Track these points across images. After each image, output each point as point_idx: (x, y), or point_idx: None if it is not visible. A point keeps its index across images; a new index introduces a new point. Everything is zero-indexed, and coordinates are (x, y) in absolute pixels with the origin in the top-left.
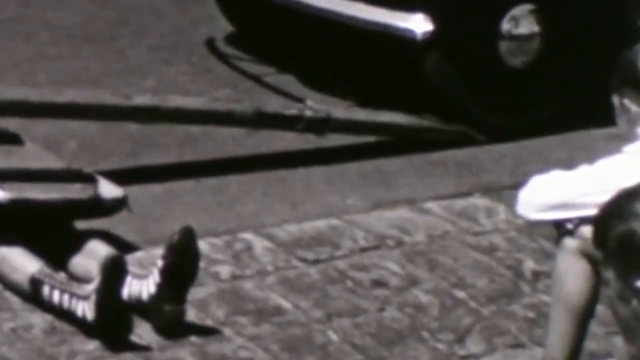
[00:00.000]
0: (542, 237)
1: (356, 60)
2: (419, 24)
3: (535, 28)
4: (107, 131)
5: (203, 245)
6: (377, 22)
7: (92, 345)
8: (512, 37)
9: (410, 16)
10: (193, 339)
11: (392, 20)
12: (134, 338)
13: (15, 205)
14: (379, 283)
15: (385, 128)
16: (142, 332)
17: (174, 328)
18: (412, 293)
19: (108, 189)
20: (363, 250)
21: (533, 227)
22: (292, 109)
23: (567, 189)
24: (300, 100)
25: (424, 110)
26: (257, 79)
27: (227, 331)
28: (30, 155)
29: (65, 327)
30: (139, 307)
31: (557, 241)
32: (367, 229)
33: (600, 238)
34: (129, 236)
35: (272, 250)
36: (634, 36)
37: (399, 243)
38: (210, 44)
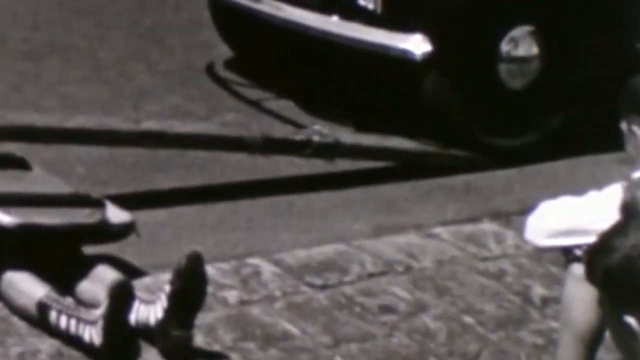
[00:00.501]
0: (550, 263)
1: (356, 84)
2: (417, 45)
3: (535, 50)
4: (115, 156)
5: (211, 270)
6: (375, 43)
7: None
8: (512, 59)
9: (408, 37)
10: None
11: (391, 41)
12: None
13: (22, 230)
14: (386, 309)
15: (394, 153)
16: (150, 357)
17: (182, 353)
18: (420, 319)
19: (116, 214)
20: (371, 275)
21: (541, 253)
22: (300, 135)
23: (576, 215)
24: (302, 125)
25: (426, 134)
26: (257, 104)
27: (234, 356)
28: (38, 180)
29: (73, 352)
30: (146, 333)
31: (566, 267)
32: (375, 254)
33: (589, 272)
34: (137, 261)
35: (280, 276)
36: (632, 59)
37: (407, 268)
38: (211, 70)
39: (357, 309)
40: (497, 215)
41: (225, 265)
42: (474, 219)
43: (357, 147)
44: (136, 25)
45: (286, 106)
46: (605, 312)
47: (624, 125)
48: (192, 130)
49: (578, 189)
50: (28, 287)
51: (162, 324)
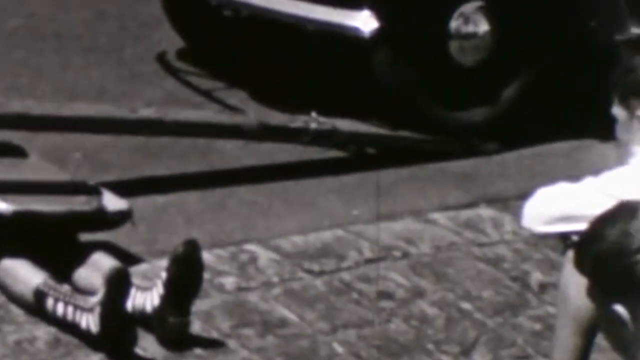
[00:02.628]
0: (548, 248)
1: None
2: (365, 22)
3: (485, 26)
4: (111, 143)
5: (208, 256)
6: (322, 21)
7: (97, 358)
8: (462, 35)
9: (356, 14)
10: (198, 351)
11: (338, 18)
12: (138, 350)
13: (18, 218)
14: (384, 295)
15: (390, 139)
16: (147, 344)
17: (179, 340)
18: (418, 305)
19: (112, 202)
20: (369, 261)
21: (539, 239)
22: (297, 122)
23: (573, 201)
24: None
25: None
26: (209, 94)
27: (232, 343)
28: (34, 168)
29: (70, 339)
30: (143, 319)
31: (563, 253)
32: (372, 240)
33: (578, 261)
34: (133, 248)
35: (277, 262)
36: (585, 36)
37: (405, 254)
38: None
39: (355, 295)
40: (494, 201)
41: (222, 252)
42: (471, 205)
43: (354, 134)
44: (133, 11)
45: (240, 97)
46: (595, 301)
47: (618, 110)
48: (189, 118)
49: (575, 175)
50: (25, 274)
51: (159, 310)
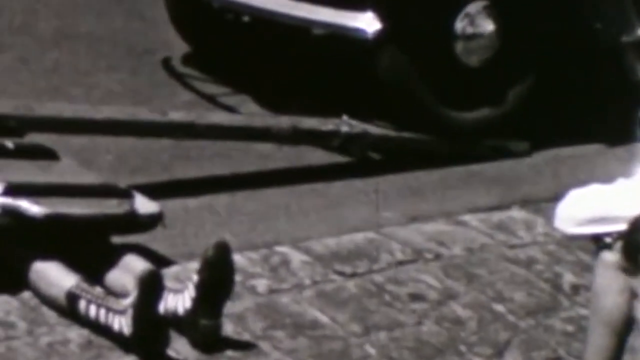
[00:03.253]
0: (580, 250)
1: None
2: (369, 23)
3: (490, 26)
4: (143, 145)
5: (240, 259)
6: (325, 23)
7: None
8: (467, 36)
9: (359, 15)
10: (230, 353)
11: (342, 19)
12: (170, 352)
13: (50, 221)
14: (416, 297)
15: (421, 142)
16: (179, 346)
17: (211, 342)
18: (450, 307)
19: (144, 205)
20: (400, 263)
21: (571, 241)
22: (328, 125)
23: (606, 202)
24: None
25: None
26: (212, 99)
27: (264, 345)
28: (66, 171)
29: (102, 341)
30: (175, 322)
31: (596, 255)
32: (404, 242)
33: (628, 252)
34: (165, 250)
35: (309, 264)
36: (591, 37)
37: (437, 256)
38: (168, 64)
39: (387, 297)
40: (526, 203)
41: (254, 254)
42: (503, 207)
43: (385, 137)
44: (166, 15)
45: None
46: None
47: None
48: (220, 121)
49: (608, 177)
50: (57, 276)
51: (191, 313)
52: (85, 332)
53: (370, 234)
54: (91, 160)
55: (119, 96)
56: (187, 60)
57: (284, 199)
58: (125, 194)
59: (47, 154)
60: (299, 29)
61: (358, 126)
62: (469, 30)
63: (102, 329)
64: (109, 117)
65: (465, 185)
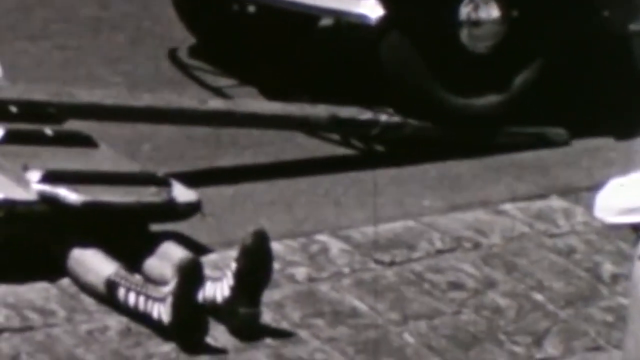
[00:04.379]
0: (620, 239)
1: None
2: (372, 9)
3: (496, 12)
4: (182, 133)
5: (279, 247)
6: (329, 9)
7: (168, 348)
8: (472, 22)
9: (363, 1)
10: (268, 341)
11: (345, 6)
12: (209, 340)
13: (88, 208)
14: (455, 285)
15: (460, 132)
16: (218, 334)
17: (249, 330)
18: (489, 295)
19: (182, 193)
20: (439, 252)
21: (611, 230)
22: (367, 114)
23: None
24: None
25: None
26: (220, 91)
27: (302, 333)
28: (104, 158)
29: (141, 329)
30: (213, 310)
31: (635, 244)
32: (443, 230)
33: None
34: (203, 238)
35: (348, 252)
36: (599, 25)
37: (476, 245)
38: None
39: (426, 286)
40: (566, 192)
41: (293, 242)
42: (542, 196)
43: (423, 126)
44: None
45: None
46: None
47: None
48: (259, 109)
49: None
50: (96, 264)
51: (229, 301)
52: (124, 320)
53: (410, 223)
54: (130, 148)
55: (158, 84)
56: (193, 52)
57: (323, 187)
58: (163, 182)
59: (86, 141)
60: (305, 20)
61: (397, 115)
62: (474, 16)
63: (141, 317)
64: (148, 104)
65: (504, 174)
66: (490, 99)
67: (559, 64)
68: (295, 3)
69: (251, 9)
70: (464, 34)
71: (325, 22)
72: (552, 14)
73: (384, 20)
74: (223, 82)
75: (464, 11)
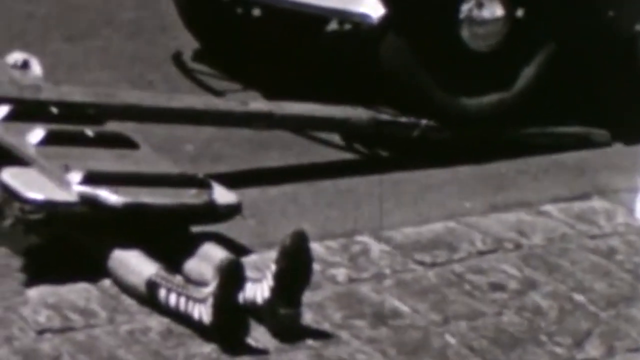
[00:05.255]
0: None
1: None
2: (374, 8)
3: (499, 11)
4: (223, 135)
5: (319, 248)
6: (330, 8)
7: (209, 348)
8: (475, 21)
9: (364, 0)
10: (309, 342)
11: (346, 5)
12: (250, 341)
13: (129, 210)
14: (496, 286)
15: (497, 134)
16: (258, 335)
17: (290, 331)
18: (530, 296)
19: (223, 195)
20: (481, 253)
21: None
22: (408, 116)
23: None
24: None
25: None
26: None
27: (343, 334)
28: (145, 159)
29: (182, 329)
30: (254, 311)
31: None
32: (485, 231)
33: None
34: (244, 239)
35: (389, 253)
36: (603, 25)
37: (517, 246)
38: (178, 59)
39: (467, 287)
40: (607, 193)
41: (333, 243)
42: (584, 197)
43: (461, 130)
44: None
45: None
46: None
47: None
48: (299, 111)
49: None
50: (137, 265)
51: (269, 302)
52: (165, 320)
53: (451, 224)
54: (170, 150)
55: (197, 87)
56: (197, 55)
57: (363, 188)
58: (204, 184)
59: (127, 143)
60: (310, 24)
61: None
62: (476, 14)
63: (182, 317)
64: (188, 106)
65: (546, 175)
66: (493, 98)
67: (564, 63)
68: (296, 3)
69: (255, 12)
70: (467, 33)
71: (332, 26)
72: (557, 13)
73: (385, 19)
74: (227, 86)
75: (467, 10)
